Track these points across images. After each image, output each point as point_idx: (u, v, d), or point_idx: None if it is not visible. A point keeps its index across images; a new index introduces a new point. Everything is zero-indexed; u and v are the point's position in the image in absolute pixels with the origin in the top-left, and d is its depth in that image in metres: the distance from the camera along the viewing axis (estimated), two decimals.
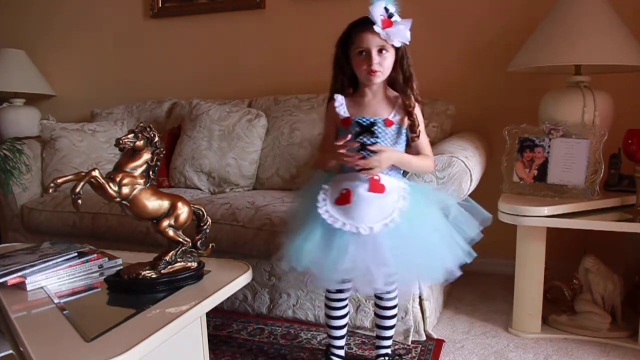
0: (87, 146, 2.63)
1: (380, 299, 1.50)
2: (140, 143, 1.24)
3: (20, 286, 1.27)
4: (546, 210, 1.70)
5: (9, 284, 1.26)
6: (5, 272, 1.27)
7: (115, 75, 3.17)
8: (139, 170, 1.25)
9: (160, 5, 2.99)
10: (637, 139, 1.72)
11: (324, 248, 1.29)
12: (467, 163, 1.63)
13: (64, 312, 1.12)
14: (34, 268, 1.30)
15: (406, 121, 1.39)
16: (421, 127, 1.41)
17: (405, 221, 1.29)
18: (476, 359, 1.65)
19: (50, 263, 1.33)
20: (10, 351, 1.02)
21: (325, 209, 1.33)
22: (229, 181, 2.44)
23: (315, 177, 1.47)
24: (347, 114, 1.39)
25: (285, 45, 2.75)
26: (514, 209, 1.73)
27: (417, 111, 1.40)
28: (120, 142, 1.21)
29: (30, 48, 3.25)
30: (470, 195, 1.69)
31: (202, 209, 1.38)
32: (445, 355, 1.67)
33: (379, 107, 1.39)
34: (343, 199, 1.33)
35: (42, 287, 1.28)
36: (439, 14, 2.44)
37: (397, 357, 1.63)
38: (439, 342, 1.74)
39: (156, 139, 1.27)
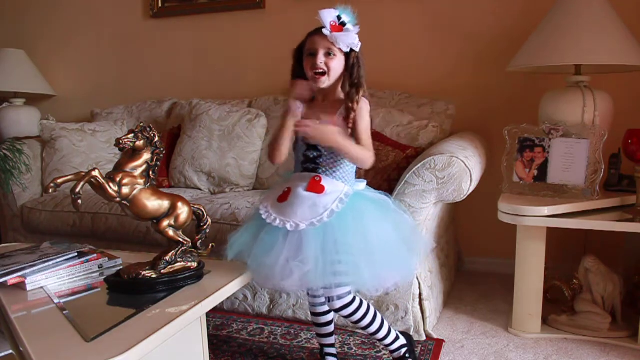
0: (87, 146, 2.63)
1: (330, 306, 1.44)
2: (140, 143, 1.24)
3: (20, 286, 1.27)
4: (546, 210, 1.70)
5: (9, 284, 1.26)
6: (5, 272, 1.27)
7: (115, 75, 3.17)
8: (139, 170, 1.25)
9: (160, 5, 2.98)
10: (637, 139, 1.73)
11: (253, 240, 1.35)
12: (467, 163, 1.63)
13: (64, 312, 1.12)
14: (34, 268, 1.30)
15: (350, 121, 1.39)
16: (363, 128, 1.40)
17: (338, 223, 1.30)
18: (476, 359, 1.66)
19: (50, 263, 1.33)
20: (10, 351, 1.03)
21: (265, 204, 1.39)
22: (229, 181, 2.44)
23: (282, 179, 1.53)
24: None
25: (285, 45, 2.74)
26: (514, 209, 1.73)
27: (362, 114, 1.39)
28: (120, 142, 1.21)
29: (30, 48, 3.24)
30: (470, 195, 1.70)
31: (202, 209, 1.39)
32: (445, 355, 1.68)
33: (327, 108, 1.42)
34: (282, 197, 1.38)
35: (42, 287, 1.28)
36: (439, 14, 2.44)
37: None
38: (439, 342, 1.75)
39: (156, 139, 1.27)
